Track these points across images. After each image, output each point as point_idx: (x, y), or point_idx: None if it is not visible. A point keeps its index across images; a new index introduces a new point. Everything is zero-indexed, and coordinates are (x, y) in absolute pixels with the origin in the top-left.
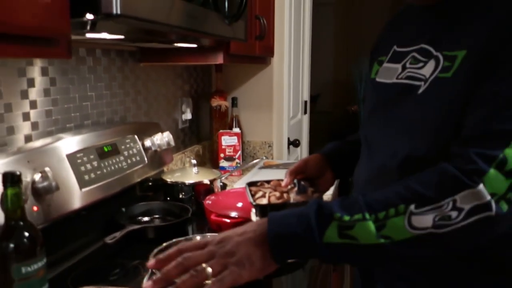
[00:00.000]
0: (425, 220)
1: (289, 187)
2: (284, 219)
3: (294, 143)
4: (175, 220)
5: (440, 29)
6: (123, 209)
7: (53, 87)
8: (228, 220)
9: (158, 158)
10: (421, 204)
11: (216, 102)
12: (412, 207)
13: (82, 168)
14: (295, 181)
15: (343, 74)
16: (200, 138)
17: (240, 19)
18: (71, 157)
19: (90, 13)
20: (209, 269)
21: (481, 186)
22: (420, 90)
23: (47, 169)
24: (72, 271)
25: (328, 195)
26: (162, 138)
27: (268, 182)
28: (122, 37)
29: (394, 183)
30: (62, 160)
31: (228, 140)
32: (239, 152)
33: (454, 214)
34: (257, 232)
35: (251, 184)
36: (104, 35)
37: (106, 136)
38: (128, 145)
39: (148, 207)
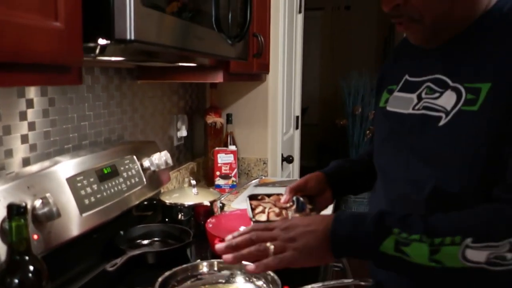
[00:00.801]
0: (480, 255)
1: (288, 204)
2: (349, 220)
3: (287, 159)
4: (177, 244)
5: (455, 60)
6: (122, 232)
7: (52, 107)
8: None
9: (156, 178)
10: (479, 240)
11: (211, 119)
12: (468, 240)
13: (82, 192)
14: (294, 198)
15: (329, 87)
16: (194, 155)
17: (243, 39)
18: (71, 180)
19: (102, 38)
20: (272, 247)
21: None
22: (442, 122)
23: (48, 195)
24: None
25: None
26: (160, 158)
27: (268, 196)
28: (126, 58)
29: (450, 212)
30: (62, 184)
31: (224, 158)
32: (235, 170)
33: (509, 256)
34: (320, 227)
35: (252, 198)
36: (111, 58)
37: (105, 157)
38: (127, 166)
39: (147, 230)
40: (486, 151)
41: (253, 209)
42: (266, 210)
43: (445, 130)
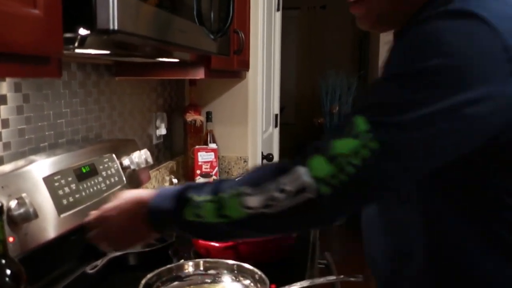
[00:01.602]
0: (256, 201)
1: None
2: (159, 196)
3: (267, 157)
4: (158, 244)
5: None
6: None
7: (26, 104)
8: (217, 244)
9: (136, 177)
10: (251, 186)
11: (191, 117)
12: (243, 188)
13: (60, 192)
14: None
15: (306, 86)
16: (173, 153)
17: (226, 34)
18: (48, 180)
19: (83, 28)
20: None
21: (300, 169)
22: None
23: (24, 195)
24: None
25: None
26: (140, 156)
27: None
28: (107, 52)
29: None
30: (38, 184)
31: (204, 156)
32: (216, 168)
33: (277, 195)
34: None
35: None
36: (90, 51)
37: (83, 156)
38: (106, 165)
39: None
40: None
41: None
42: None
43: None
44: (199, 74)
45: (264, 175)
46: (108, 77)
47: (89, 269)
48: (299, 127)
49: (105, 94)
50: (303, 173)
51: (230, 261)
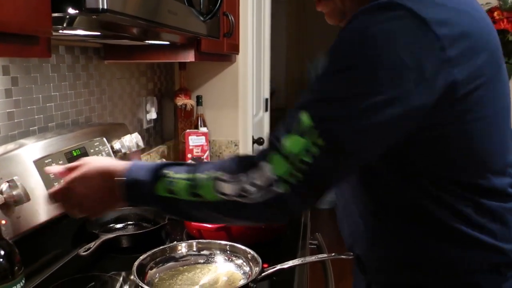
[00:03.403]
0: (230, 189)
1: None
2: (138, 168)
3: (258, 141)
4: (151, 227)
5: None
6: None
7: (15, 87)
8: (209, 225)
9: (127, 160)
10: (226, 173)
11: (181, 101)
12: (219, 173)
13: (52, 175)
14: None
15: (296, 71)
16: (164, 138)
17: (215, 16)
18: (39, 163)
19: (72, 7)
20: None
21: (266, 165)
22: None
23: (15, 178)
24: (46, 287)
25: None
26: (131, 140)
27: None
28: (97, 33)
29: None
30: (29, 167)
31: (195, 140)
32: (207, 152)
33: (249, 188)
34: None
35: None
36: (79, 31)
37: (73, 139)
38: (97, 148)
39: (120, 214)
40: None
41: None
42: None
43: None
44: (189, 57)
45: (238, 166)
46: (97, 60)
47: (82, 252)
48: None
49: (94, 77)
50: (268, 170)
51: (223, 242)
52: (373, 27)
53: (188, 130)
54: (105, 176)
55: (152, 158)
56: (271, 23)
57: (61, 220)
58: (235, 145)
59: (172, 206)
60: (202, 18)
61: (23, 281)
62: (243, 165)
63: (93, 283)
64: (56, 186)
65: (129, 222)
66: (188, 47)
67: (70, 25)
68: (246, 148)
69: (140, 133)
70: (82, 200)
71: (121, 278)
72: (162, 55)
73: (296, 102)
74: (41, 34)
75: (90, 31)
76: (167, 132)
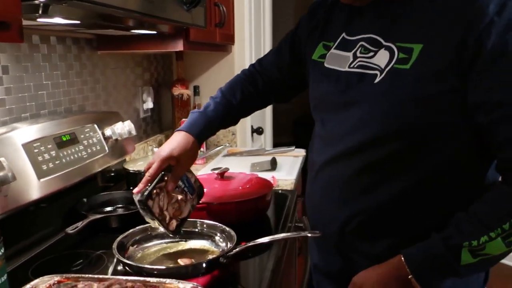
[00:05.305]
0: None
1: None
2: (423, 264)
3: (257, 130)
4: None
5: (387, 20)
6: (85, 200)
7: (5, 75)
8: None
9: (119, 147)
10: None
11: (178, 91)
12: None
13: (40, 158)
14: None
15: None
16: (162, 127)
17: (199, 5)
18: (27, 146)
19: None
20: None
21: None
22: (377, 79)
23: (2, 159)
24: (33, 263)
25: (291, 180)
26: (123, 127)
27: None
28: (77, 22)
29: (478, 202)
30: (17, 149)
31: None
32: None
33: None
34: (393, 279)
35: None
36: (58, 20)
37: (64, 125)
38: (87, 134)
39: (110, 197)
40: (415, 107)
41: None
42: (167, 215)
43: (380, 87)
44: (178, 46)
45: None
46: (89, 50)
47: (69, 230)
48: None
49: (87, 67)
50: None
51: (201, 220)
52: None
53: (184, 119)
54: (399, 278)
55: (149, 146)
56: (277, 6)
57: (51, 202)
58: (233, 134)
59: (484, 265)
60: (185, 7)
61: (2, 249)
62: None
63: (81, 260)
64: None
65: (118, 205)
66: (176, 37)
67: (46, 13)
68: (244, 137)
69: (137, 122)
70: None
71: (108, 256)
72: (153, 45)
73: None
74: (11, 21)
75: (68, 19)
76: (166, 122)
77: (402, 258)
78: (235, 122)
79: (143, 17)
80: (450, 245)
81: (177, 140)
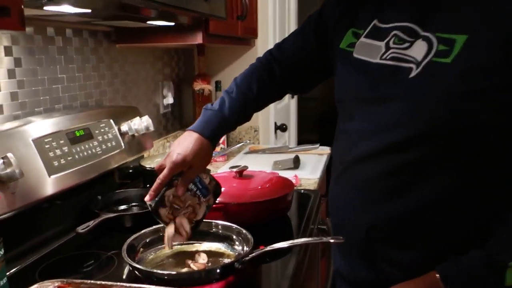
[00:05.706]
0: None
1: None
2: (462, 286)
3: (281, 127)
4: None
5: (426, 7)
6: (99, 197)
7: (18, 68)
8: None
9: (136, 143)
10: None
11: (199, 86)
12: None
13: (51, 154)
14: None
15: None
16: (183, 123)
17: None
18: (38, 142)
19: None
20: None
21: None
22: (413, 74)
23: (9, 154)
24: (41, 264)
25: (315, 179)
26: (141, 123)
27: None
28: (88, 11)
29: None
30: (27, 145)
31: None
32: (224, 137)
33: None
34: None
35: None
36: (67, 8)
37: (78, 120)
38: (102, 130)
39: (125, 195)
40: (456, 105)
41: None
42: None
43: (416, 82)
44: (197, 38)
45: None
46: (107, 44)
47: (80, 229)
48: (323, 102)
49: (104, 61)
50: None
51: (216, 221)
52: None
53: None
54: None
55: (168, 142)
56: (304, 6)
57: (63, 199)
58: (255, 130)
59: None
60: None
61: (2, 251)
62: None
63: (92, 261)
64: None
65: (133, 204)
66: (195, 29)
67: (52, 0)
68: (267, 134)
69: (157, 118)
70: None
71: (119, 257)
72: (171, 38)
73: None
74: (10, 4)
75: (78, 7)
76: (187, 117)
77: (438, 276)
78: (249, 118)
79: (160, 6)
80: (493, 264)
81: (190, 142)
